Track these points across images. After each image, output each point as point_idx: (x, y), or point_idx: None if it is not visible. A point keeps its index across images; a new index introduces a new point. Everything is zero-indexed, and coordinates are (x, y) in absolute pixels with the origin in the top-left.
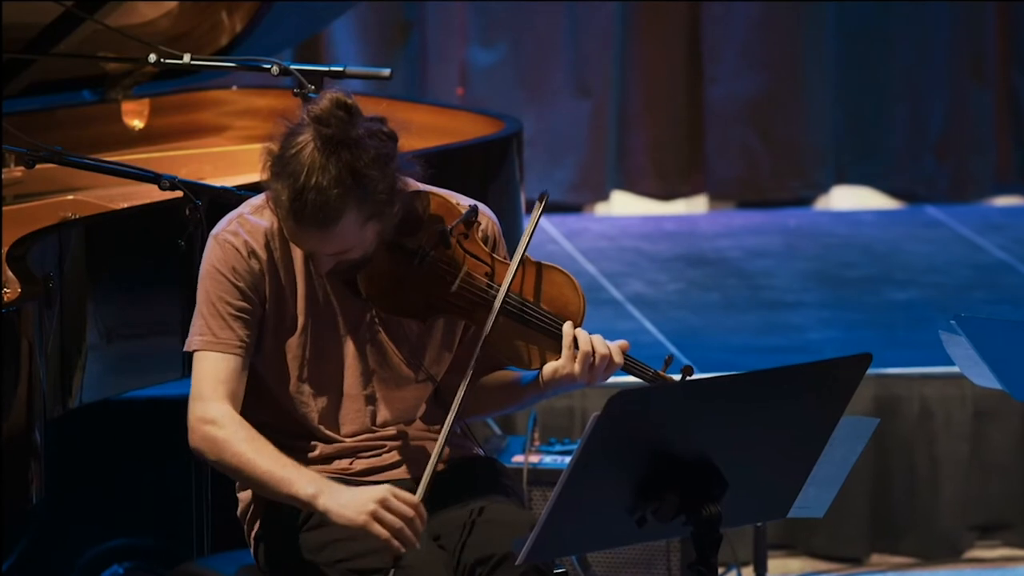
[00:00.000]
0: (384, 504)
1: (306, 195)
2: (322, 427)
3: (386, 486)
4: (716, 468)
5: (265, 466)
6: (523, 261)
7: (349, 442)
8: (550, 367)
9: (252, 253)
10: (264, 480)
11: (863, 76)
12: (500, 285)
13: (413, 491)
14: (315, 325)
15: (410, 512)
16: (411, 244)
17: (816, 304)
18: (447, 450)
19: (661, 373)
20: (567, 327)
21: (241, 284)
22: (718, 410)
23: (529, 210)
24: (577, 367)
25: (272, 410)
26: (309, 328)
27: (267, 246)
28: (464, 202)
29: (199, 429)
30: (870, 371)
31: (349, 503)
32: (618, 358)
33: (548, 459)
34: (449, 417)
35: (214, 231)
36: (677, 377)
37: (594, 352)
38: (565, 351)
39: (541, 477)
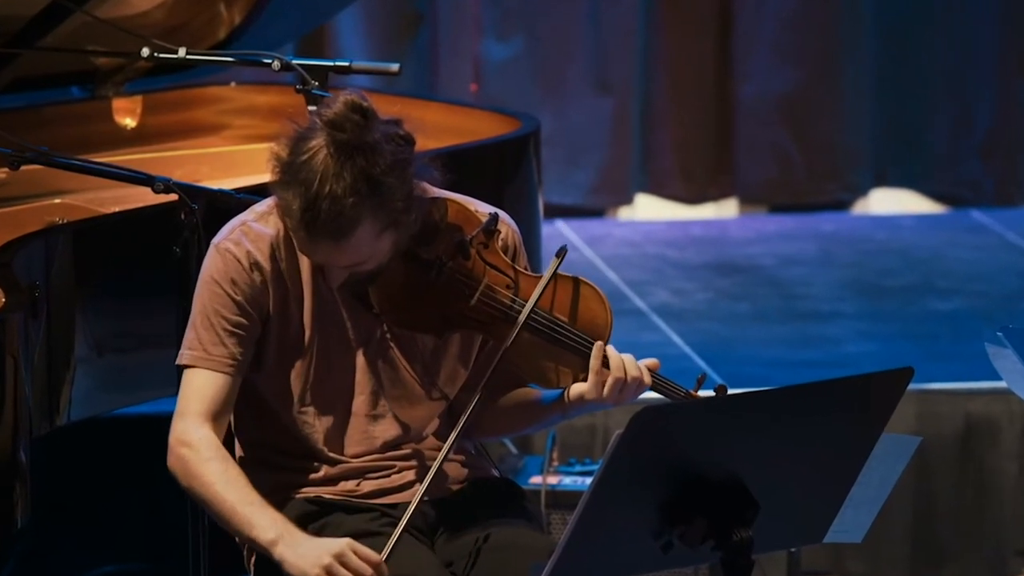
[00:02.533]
0: (341, 559)
1: (319, 204)
2: (326, 448)
3: (346, 540)
4: (747, 490)
5: (230, 502)
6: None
7: (356, 463)
8: (576, 388)
9: (255, 265)
10: (227, 516)
11: (904, 72)
12: (522, 299)
13: (425, 513)
14: (322, 340)
15: (367, 571)
16: (427, 255)
17: (853, 315)
18: (466, 471)
19: (693, 393)
20: (597, 347)
21: (239, 298)
22: (749, 428)
23: (547, 216)
24: (606, 390)
25: (273, 429)
26: (316, 343)
27: (272, 256)
28: (483, 209)
29: (176, 450)
30: (911, 386)
31: (305, 555)
32: (647, 379)
33: (568, 480)
34: (448, 443)
35: (215, 240)
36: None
37: (625, 374)
38: (593, 374)
39: (560, 499)
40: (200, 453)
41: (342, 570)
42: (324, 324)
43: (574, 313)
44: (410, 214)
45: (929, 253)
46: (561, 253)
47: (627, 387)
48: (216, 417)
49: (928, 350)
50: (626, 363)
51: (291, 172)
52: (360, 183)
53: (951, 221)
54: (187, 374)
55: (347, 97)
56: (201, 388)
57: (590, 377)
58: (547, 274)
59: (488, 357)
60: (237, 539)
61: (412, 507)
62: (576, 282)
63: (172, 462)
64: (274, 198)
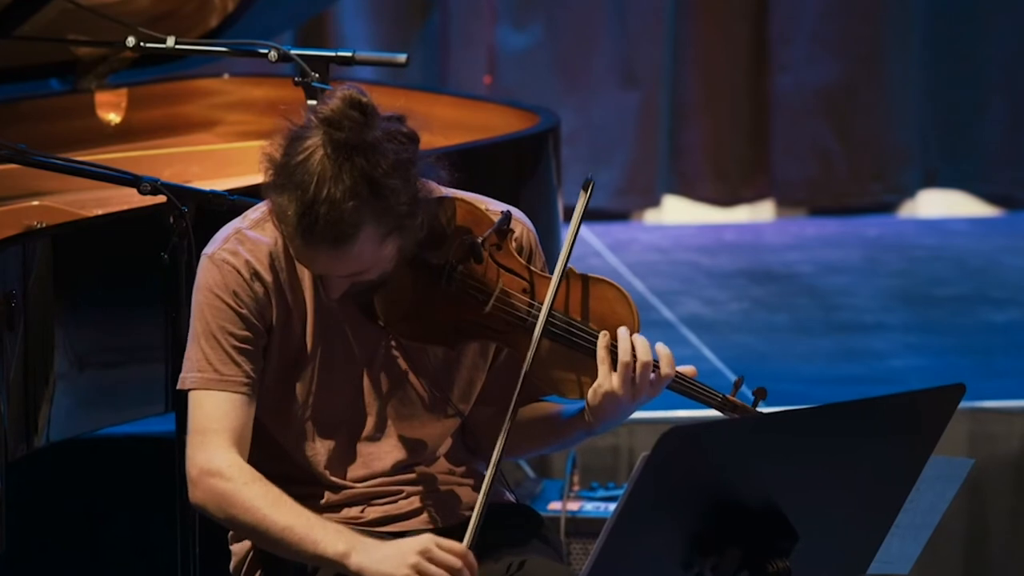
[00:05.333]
0: (427, 555)
1: (316, 209)
2: (328, 471)
3: (428, 535)
4: (784, 517)
5: (284, 522)
6: (566, 274)
7: (360, 487)
8: (591, 388)
9: (255, 275)
10: (283, 538)
11: (955, 64)
12: (540, 303)
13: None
14: (324, 356)
15: (456, 562)
16: (436, 260)
17: (900, 327)
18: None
19: (731, 398)
20: (601, 337)
21: (244, 311)
22: (787, 449)
23: (567, 217)
24: (616, 380)
25: (269, 452)
26: (317, 359)
27: (272, 266)
28: (495, 207)
29: (203, 482)
30: (963, 404)
31: (387, 558)
32: (667, 367)
33: (589, 506)
34: (494, 458)
35: (208, 250)
36: (750, 402)
37: (635, 359)
38: (601, 365)
39: (581, 527)
40: (234, 480)
41: (431, 567)
42: (326, 338)
43: (596, 316)
44: (415, 218)
45: (982, 260)
46: (588, 185)
47: (639, 374)
48: (238, 441)
49: (981, 365)
50: (637, 345)
51: (285, 175)
52: (360, 186)
53: (1006, 225)
54: (197, 398)
55: (344, 93)
56: (217, 412)
57: (599, 367)
58: (576, 214)
59: (505, 370)
60: (297, 560)
61: (484, 494)
62: (597, 282)
63: (200, 496)
64: (268, 203)
